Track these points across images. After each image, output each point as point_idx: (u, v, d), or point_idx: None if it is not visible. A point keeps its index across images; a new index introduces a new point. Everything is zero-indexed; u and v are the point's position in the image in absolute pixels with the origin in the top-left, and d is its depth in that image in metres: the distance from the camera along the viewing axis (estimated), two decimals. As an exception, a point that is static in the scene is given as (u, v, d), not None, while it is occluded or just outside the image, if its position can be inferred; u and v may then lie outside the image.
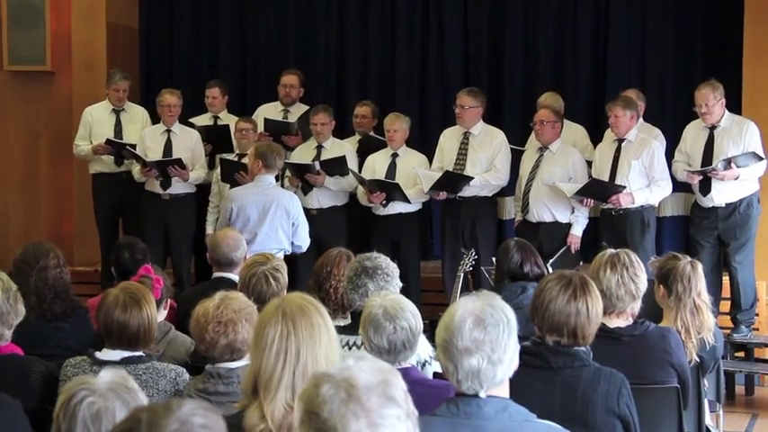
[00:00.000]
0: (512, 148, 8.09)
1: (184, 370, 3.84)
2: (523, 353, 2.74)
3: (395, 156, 8.12)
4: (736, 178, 7.27)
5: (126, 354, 3.77)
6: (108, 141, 8.39)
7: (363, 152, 8.39)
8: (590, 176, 7.63)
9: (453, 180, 7.81)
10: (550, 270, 7.25)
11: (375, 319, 3.50)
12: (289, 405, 2.63)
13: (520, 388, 2.74)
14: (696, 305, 4.42)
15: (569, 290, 3.32)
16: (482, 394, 2.64)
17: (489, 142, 7.95)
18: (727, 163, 7.22)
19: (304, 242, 7.18)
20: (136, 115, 8.74)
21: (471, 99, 7.97)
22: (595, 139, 8.19)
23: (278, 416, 2.64)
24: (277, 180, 7.46)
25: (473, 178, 7.74)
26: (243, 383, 2.80)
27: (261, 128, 8.54)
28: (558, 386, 3.27)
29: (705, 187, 7.39)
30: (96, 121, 8.61)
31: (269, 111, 8.87)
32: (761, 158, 7.30)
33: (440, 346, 2.67)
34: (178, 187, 8.22)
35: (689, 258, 4.55)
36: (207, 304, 3.60)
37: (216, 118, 8.88)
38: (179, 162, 8.08)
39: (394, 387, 2.01)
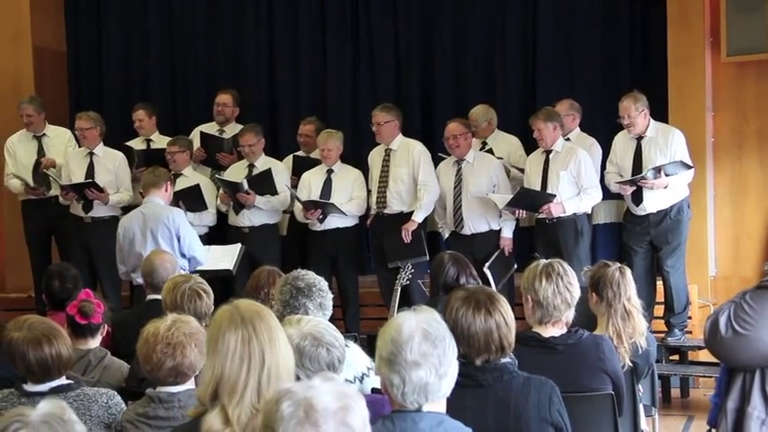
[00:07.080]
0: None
1: (115, 393, 3.77)
2: (452, 373, 2.75)
3: (330, 172, 8.12)
4: (666, 186, 7.38)
5: (54, 383, 3.69)
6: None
7: (297, 172, 8.37)
8: (522, 187, 7.71)
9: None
10: (488, 273, 7.31)
11: (307, 352, 3.48)
12: (255, 408, 2.62)
13: (453, 404, 2.75)
14: (627, 310, 4.49)
15: (482, 309, 3.34)
16: (426, 407, 2.66)
17: (408, 156, 7.98)
18: (657, 171, 7.33)
19: (198, 253, 7.04)
20: (58, 138, 8.63)
21: (385, 114, 8.01)
22: (530, 149, 8.26)
23: (244, 419, 2.64)
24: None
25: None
26: (200, 390, 2.76)
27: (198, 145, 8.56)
28: (489, 402, 3.27)
29: (637, 197, 7.49)
30: (19, 150, 8.51)
31: (206, 131, 8.83)
32: (689, 166, 7.43)
33: (385, 360, 2.66)
34: (101, 210, 8.12)
35: (618, 264, 4.62)
36: (158, 324, 3.54)
37: (149, 141, 8.81)
38: (94, 185, 7.98)
39: (353, 415, 2.03)
